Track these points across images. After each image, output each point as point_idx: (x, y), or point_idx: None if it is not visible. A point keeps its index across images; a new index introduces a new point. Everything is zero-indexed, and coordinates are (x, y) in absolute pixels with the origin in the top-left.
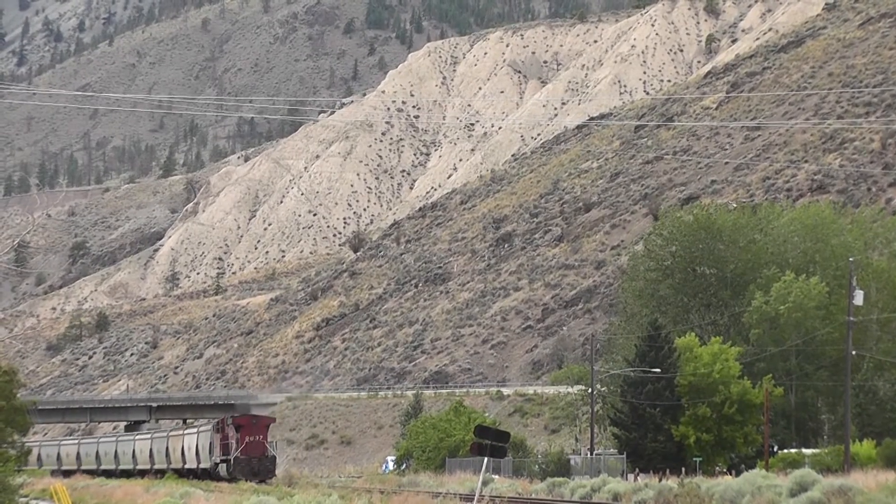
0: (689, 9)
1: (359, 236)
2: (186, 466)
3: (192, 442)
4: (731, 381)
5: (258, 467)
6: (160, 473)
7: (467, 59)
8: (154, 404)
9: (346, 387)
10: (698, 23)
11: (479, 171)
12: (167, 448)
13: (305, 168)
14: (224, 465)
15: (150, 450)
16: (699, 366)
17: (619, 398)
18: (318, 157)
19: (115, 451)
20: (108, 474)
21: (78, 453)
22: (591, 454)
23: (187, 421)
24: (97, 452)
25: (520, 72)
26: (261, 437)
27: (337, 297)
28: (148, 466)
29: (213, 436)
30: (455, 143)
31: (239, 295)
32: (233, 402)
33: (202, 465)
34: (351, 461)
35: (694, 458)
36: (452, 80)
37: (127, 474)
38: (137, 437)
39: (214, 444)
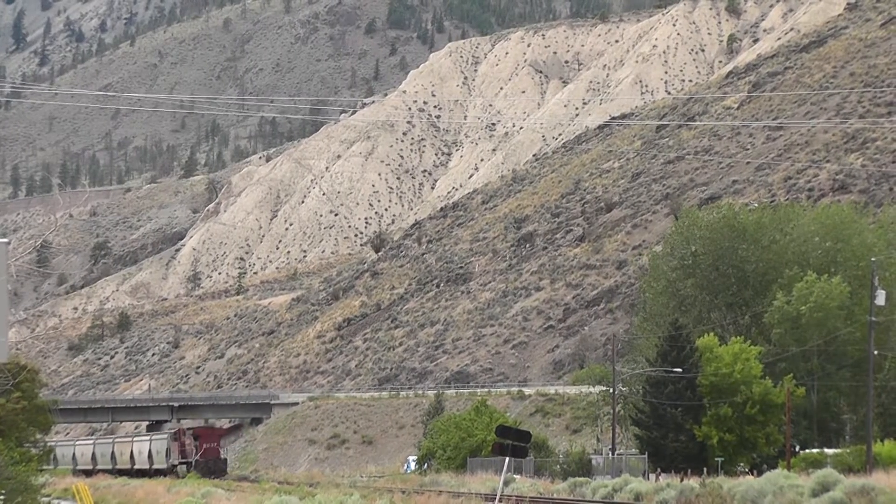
0: (711, 9)
1: (380, 236)
2: (136, 467)
3: (144, 447)
4: (752, 380)
5: (214, 467)
6: (104, 473)
7: (489, 59)
8: (176, 404)
9: (367, 387)
10: (720, 22)
11: (501, 171)
12: (113, 452)
13: (327, 168)
14: (184, 466)
15: (93, 453)
16: (721, 366)
17: (641, 398)
18: (339, 157)
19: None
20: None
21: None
22: (613, 454)
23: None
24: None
25: (541, 72)
26: (215, 443)
27: (358, 297)
28: (90, 466)
29: (171, 443)
30: (476, 143)
31: (260, 295)
32: (254, 401)
33: (155, 467)
34: (372, 461)
35: (716, 458)
36: (474, 79)
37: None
38: (78, 441)
39: (172, 449)
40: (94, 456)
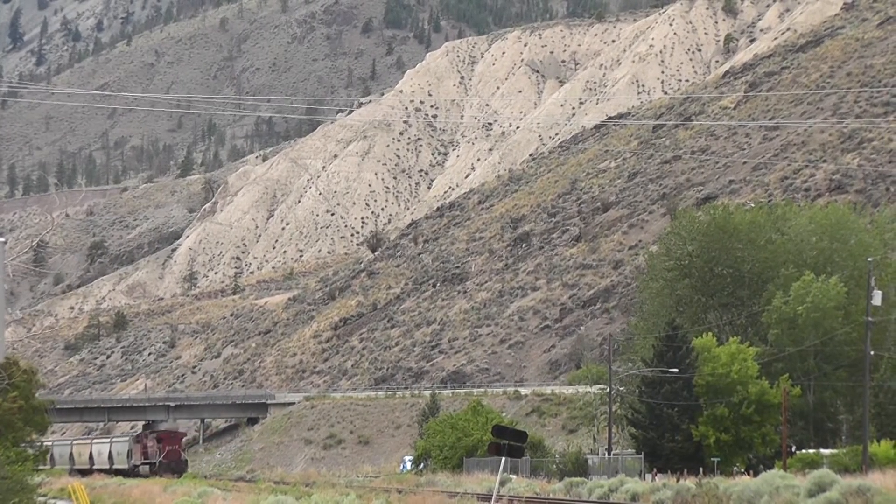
0: (708, 8)
1: (376, 236)
2: (95, 467)
3: (104, 449)
4: (749, 381)
5: (176, 468)
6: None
7: (485, 59)
8: (172, 404)
9: (363, 386)
10: (716, 22)
11: (497, 171)
12: (71, 453)
13: (323, 167)
14: (146, 466)
15: (51, 454)
16: (717, 366)
17: (637, 398)
18: (335, 156)
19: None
20: None
21: None
22: (609, 454)
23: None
24: None
25: (538, 71)
26: (177, 446)
27: (355, 297)
28: (48, 467)
29: (133, 445)
30: (473, 143)
31: (257, 294)
32: (250, 401)
33: (116, 467)
34: (369, 461)
35: (712, 459)
36: (470, 79)
37: None
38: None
39: (134, 451)
40: (51, 457)
